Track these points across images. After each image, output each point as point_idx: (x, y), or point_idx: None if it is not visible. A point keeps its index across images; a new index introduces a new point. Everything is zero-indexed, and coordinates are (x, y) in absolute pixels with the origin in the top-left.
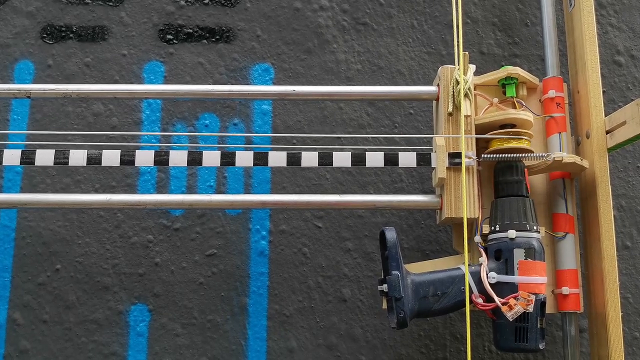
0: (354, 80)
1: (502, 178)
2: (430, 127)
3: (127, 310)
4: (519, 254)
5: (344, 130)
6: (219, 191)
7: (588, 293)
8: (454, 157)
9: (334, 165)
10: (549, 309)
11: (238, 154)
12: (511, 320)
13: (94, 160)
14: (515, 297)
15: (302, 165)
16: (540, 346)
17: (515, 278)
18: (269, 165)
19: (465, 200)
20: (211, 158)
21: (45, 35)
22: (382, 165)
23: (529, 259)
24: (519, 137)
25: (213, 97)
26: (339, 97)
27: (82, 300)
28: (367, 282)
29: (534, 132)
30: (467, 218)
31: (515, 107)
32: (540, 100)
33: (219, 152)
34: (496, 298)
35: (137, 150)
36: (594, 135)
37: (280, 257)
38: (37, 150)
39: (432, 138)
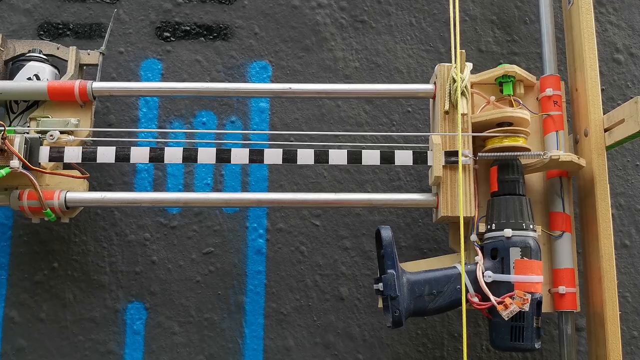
0: (351, 78)
1: (499, 176)
2: (429, 125)
3: (124, 309)
4: (515, 253)
5: (341, 128)
6: (216, 189)
7: (586, 292)
8: (451, 156)
9: (330, 164)
10: (546, 308)
11: (234, 151)
12: (507, 319)
13: (89, 157)
14: (511, 296)
15: (298, 163)
16: (536, 345)
17: (512, 277)
18: (265, 162)
19: (461, 199)
20: (207, 155)
21: (42, 33)
22: (379, 164)
23: (525, 258)
24: (516, 135)
25: (210, 95)
26: (337, 94)
27: (79, 298)
28: (365, 280)
29: (531, 130)
30: (464, 217)
31: (512, 106)
32: (537, 98)
33: (215, 149)
34: (492, 297)
35: (132, 147)
36: (592, 133)
37: (278, 256)
38: None
39: (428, 136)
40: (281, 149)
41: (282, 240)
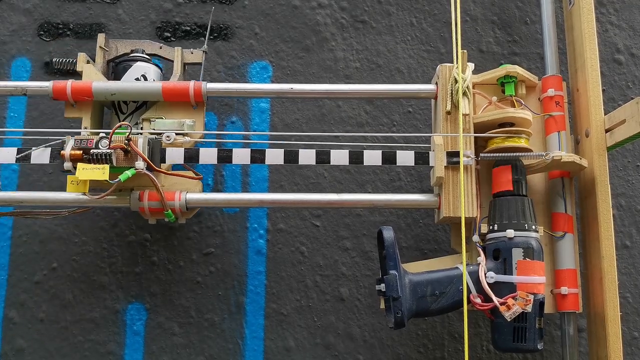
0: (352, 78)
1: (501, 177)
2: (429, 126)
3: (124, 309)
4: (517, 254)
5: (342, 128)
6: (216, 189)
7: (587, 292)
8: (453, 156)
9: (331, 164)
10: (548, 308)
11: (235, 151)
12: (509, 320)
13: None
14: (513, 297)
15: (300, 163)
16: (538, 346)
17: (514, 278)
18: (267, 163)
19: (463, 200)
20: (209, 155)
21: (42, 33)
22: (380, 164)
23: (528, 259)
24: (518, 135)
25: (211, 95)
26: (337, 95)
27: (79, 299)
28: (365, 281)
29: (533, 130)
30: (465, 217)
31: (514, 106)
32: (539, 98)
33: (216, 149)
34: (494, 298)
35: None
36: (593, 134)
37: (278, 256)
38: (33, 148)
39: (430, 136)
40: (283, 149)
41: (282, 240)
